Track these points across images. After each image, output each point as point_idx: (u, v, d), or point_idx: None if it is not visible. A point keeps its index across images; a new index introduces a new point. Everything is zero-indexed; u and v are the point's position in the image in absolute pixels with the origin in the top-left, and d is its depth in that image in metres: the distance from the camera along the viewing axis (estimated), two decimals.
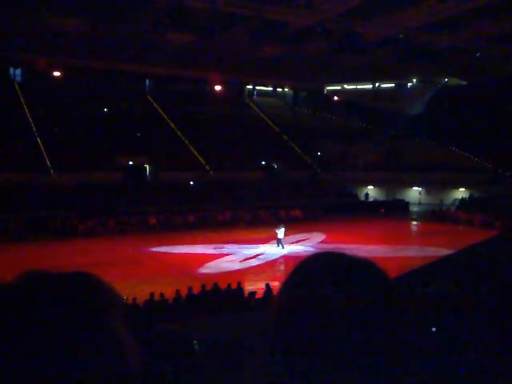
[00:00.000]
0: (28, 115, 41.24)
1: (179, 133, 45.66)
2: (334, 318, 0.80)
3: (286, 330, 0.83)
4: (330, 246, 25.24)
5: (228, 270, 21.02)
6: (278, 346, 0.84)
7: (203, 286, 15.32)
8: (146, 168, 40.79)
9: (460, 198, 41.07)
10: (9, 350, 0.67)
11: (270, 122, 53.67)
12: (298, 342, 0.81)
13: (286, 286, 0.90)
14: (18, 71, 46.96)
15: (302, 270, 0.90)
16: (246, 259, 23.23)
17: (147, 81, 52.56)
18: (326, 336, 0.79)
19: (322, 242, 27.47)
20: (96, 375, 0.71)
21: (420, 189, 43.78)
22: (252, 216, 34.52)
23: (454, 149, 47.53)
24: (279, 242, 25.14)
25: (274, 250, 24.85)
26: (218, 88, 53.60)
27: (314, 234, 29.59)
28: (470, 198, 40.69)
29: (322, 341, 0.79)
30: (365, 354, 0.79)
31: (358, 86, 58.91)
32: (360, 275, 0.87)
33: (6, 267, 13.89)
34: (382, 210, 39.18)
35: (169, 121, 47.43)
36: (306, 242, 27.07)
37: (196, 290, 15.16)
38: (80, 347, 0.70)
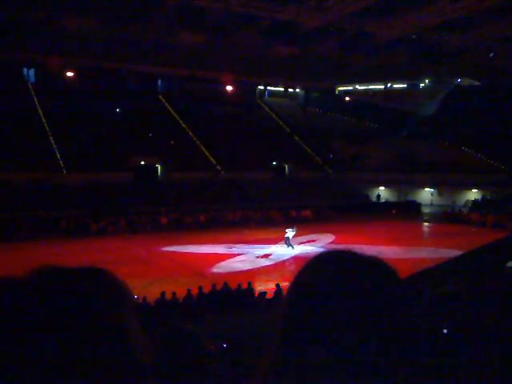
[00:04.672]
0: (41, 115, 41.60)
1: (191, 133, 45.79)
2: (342, 309, 0.82)
3: (297, 318, 0.85)
4: (340, 247, 25.07)
5: (238, 269, 21.02)
6: (289, 333, 0.85)
7: (214, 286, 15.35)
8: (157, 168, 40.95)
9: (472, 199, 40.70)
10: (21, 344, 0.67)
11: (282, 123, 53.62)
12: (307, 329, 0.83)
13: (295, 281, 0.92)
14: (32, 72, 47.30)
15: (312, 266, 0.92)
16: (256, 259, 23.26)
17: (159, 81, 52.74)
18: (333, 324, 0.81)
19: (332, 243, 27.37)
20: (107, 370, 0.71)
21: (432, 190, 43.43)
22: (262, 216, 34.52)
23: (466, 150, 47.14)
24: (288, 242, 25.09)
25: (284, 251, 24.80)
26: (229, 88, 53.61)
27: (325, 234, 29.49)
28: (482, 199, 40.30)
29: (328, 328, 0.81)
30: (366, 345, 0.80)
31: (370, 87, 58.68)
32: (369, 271, 0.88)
33: (19, 266, 14.00)
34: (394, 212, 38.92)
35: (180, 121, 47.58)
36: (316, 243, 26.97)
37: (206, 290, 15.21)
38: (91, 342, 0.71)
